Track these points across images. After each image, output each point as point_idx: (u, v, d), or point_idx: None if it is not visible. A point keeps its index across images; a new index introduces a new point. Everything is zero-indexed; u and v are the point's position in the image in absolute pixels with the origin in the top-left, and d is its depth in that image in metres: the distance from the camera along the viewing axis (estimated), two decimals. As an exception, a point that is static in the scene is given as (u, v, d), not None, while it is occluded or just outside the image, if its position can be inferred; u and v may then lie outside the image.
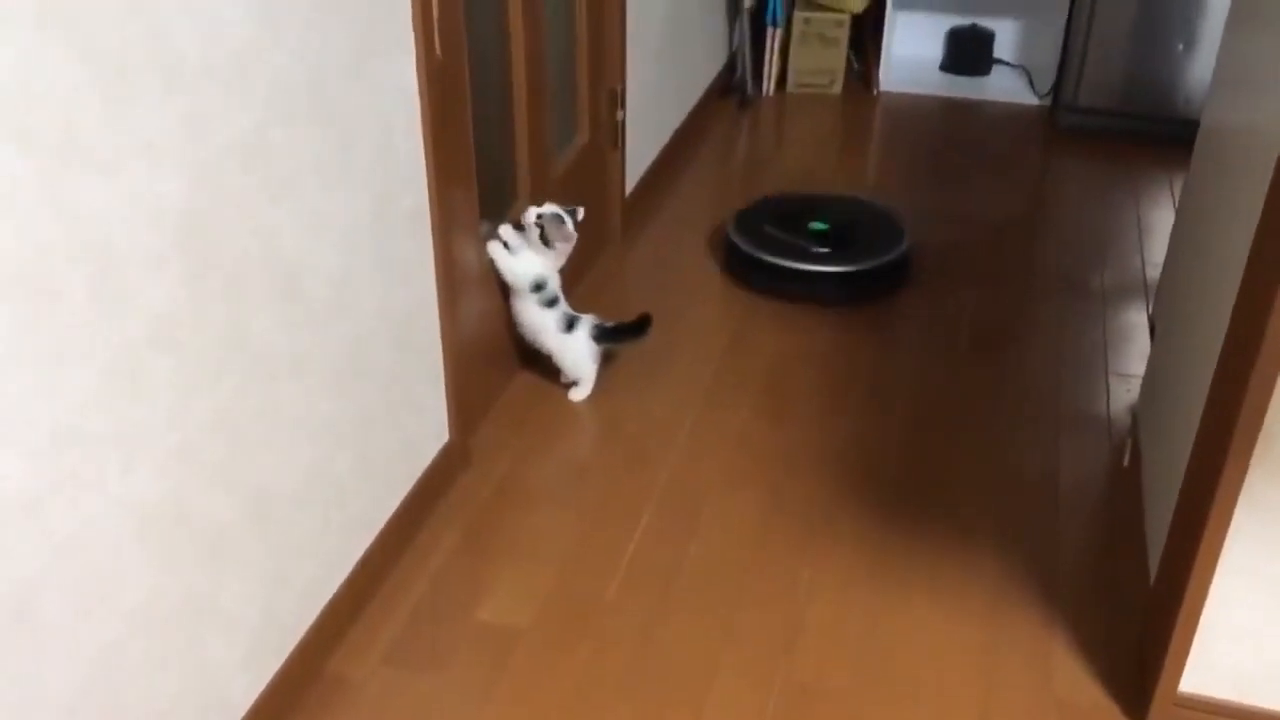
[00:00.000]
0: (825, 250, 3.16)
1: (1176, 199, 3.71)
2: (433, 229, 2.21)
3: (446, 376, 2.36)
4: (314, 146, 1.79)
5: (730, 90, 4.46)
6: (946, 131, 4.32)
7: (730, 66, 4.50)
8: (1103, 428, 2.66)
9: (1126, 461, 2.52)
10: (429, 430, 2.34)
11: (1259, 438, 1.62)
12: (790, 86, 4.54)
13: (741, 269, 3.22)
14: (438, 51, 2.11)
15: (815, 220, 3.29)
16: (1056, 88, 4.31)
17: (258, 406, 1.74)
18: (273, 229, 1.71)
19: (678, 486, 2.46)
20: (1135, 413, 2.67)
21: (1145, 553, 2.26)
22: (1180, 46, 3.98)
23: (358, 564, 2.10)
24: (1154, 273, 3.28)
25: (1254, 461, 1.64)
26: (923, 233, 3.47)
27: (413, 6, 2.02)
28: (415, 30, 2.04)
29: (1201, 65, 3.95)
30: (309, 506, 1.93)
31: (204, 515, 1.65)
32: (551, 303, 2.66)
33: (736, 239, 3.23)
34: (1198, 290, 2.19)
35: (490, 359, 2.66)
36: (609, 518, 2.37)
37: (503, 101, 2.61)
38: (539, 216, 2.58)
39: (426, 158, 2.15)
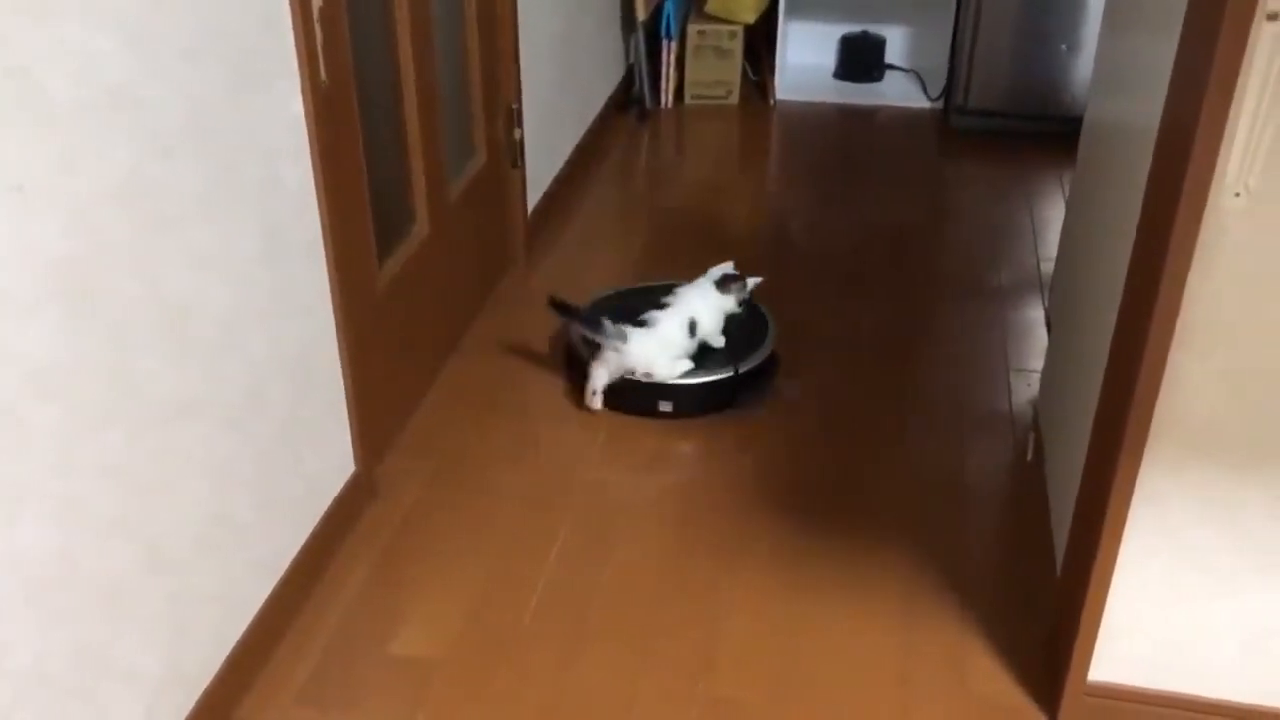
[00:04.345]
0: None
1: (1067, 195, 3.81)
2: (328, 258, 2.17)
3: (350, 407, 2.32)
4: (196, 181, 1.74)
5: (629, 104, 4.47)
6: (843, 138, 4.38)
7: (628, 80, 4.51)
8: (1006, 424, 2.71)
9: (1030, 456, 2.57)
10: (333, 463, 2.29)
11: (1150, 431, 1.66)
12: (688, 99, 4.57)
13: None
14: (323, 77, 2.08)
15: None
16: (948, 91, 4.40)
17: (149, 452, 1.68)
18: (156, 268, 1.66)
19: (591, 508, 2.45)
20: (1036, 408, 2.73)
21: (1052, 547, 2.30)
22: (1064, 47, 4.09)
23: (264, 605, 2.05)
24: (1049, 268, 3.35)
25: (1147, 454, 1.68)
26: (822, 240, 3.51)
27: (295, 33, 1.98)
28: (299, 57, 2.00)
29: (1085, 65, 4.06)
30: (209, 551, 1.87)
31: (95, 567, 1.59)
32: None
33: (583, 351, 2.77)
34: (1088, 285, 2.25)
35: (396, 385, 2.62)
36: (522, 543, 2.34)
37: (395, 125, 2.58)
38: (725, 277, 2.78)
39: (317, 186, 2.10)
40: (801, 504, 2.45)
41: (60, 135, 1.44)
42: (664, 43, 4.44)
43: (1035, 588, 2.22)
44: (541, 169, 3.52)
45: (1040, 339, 3.00)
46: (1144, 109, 1.85)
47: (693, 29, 4.46)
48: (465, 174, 3.00)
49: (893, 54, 4.78)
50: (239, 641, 1.97)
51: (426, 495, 2.47)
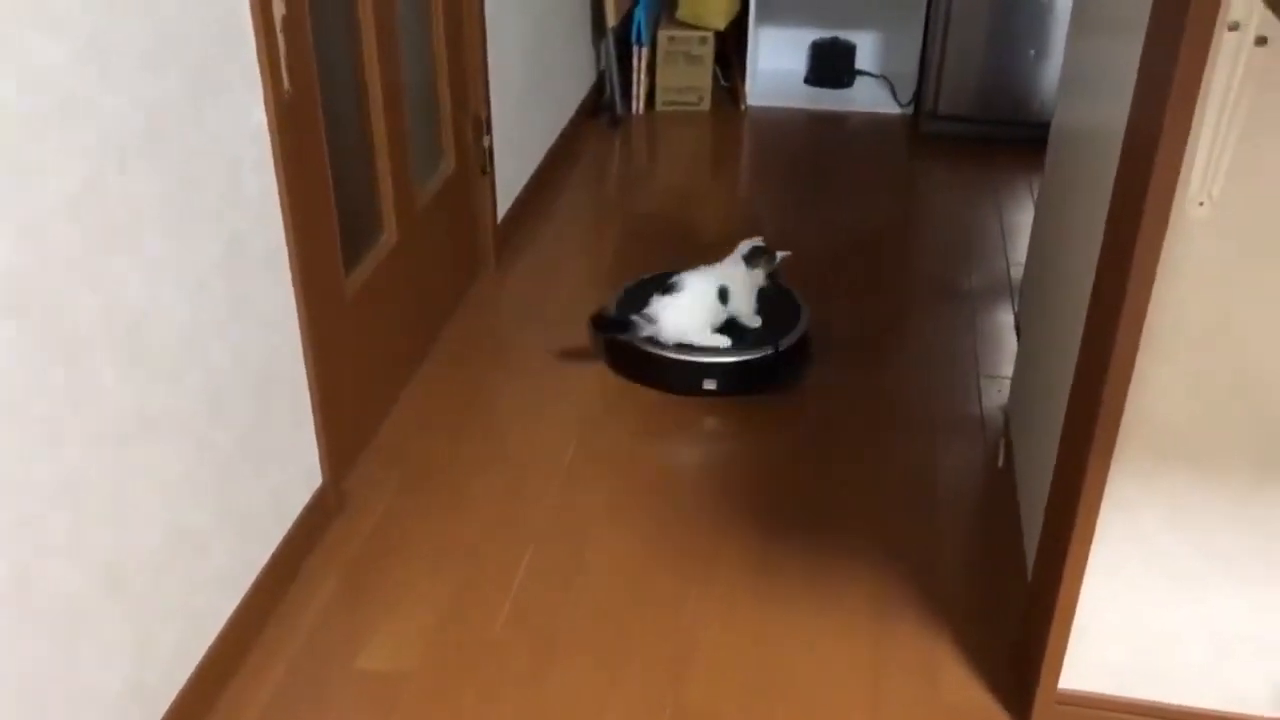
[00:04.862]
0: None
1: (1035, 198, 3.82)
2: (292, 267, 2.14)
3: (316, 419, 2.29)
4: (155, 192, 1.71)
5: (600, 110, 4.45)
6: (814, 144, 4.38)
7: (599, 86, 4.50)
8: (976, 430, 2.71)
9: (1001, 462, 2.57)
10: (299, 476, 2.26)
11: (1118, 438, 1.66)
12: (659, 105, 4.56)
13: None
14: (286, 85, 2.05)
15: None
16: (917, 97, 4.41)
17: (106, 470, 1.65)
18: (113, 282, 1.63)
19: (560, 519, 2.43)
20: (1007, 414, 2.73)
21: (1022, 553, 2.30)
22: (1032, 53, 4.11)
23: (228, 621, 2.02)
24: (1018, 273, 3.36)
25: (1115, 461, 1.68)
26: (794, 245, 3.50)
27: (257, 41, 1.96)
28: (261, 65, 1.97)
29: (1052, 71, 4.08)
30: (170, 569, 1.84)
31: (52, 588, 1.56)
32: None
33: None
34: (1056, 290, 2.25)
35: (364, 395, 2.60)
36: (492, 554, 2.32)
37: (361, 133, 2.55)
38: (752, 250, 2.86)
39: (280, 195, 2.08)
40: (771, 511, 2.44)
41: (9, 145, 1.41)
42: (635, 48, 4.43)
43: (1006, 595, 2.22)
44: (512, 175, 3.50)
45: (1010, 344, 3.01)
46: (1109, 114, 1.85)
47: (663, 35, 4.45)
48: (434, 181, 2.97)
49: (863, 60, 4.79)
50: (203, 658, 1.94)
51: (395, 506, 2.44)
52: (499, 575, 2.27)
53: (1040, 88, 4.15)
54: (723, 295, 2.79)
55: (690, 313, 2.76)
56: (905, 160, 4.26)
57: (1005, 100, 4.21)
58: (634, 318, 2.76)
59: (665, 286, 2.80)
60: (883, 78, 4.76)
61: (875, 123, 4.52)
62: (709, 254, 2.97)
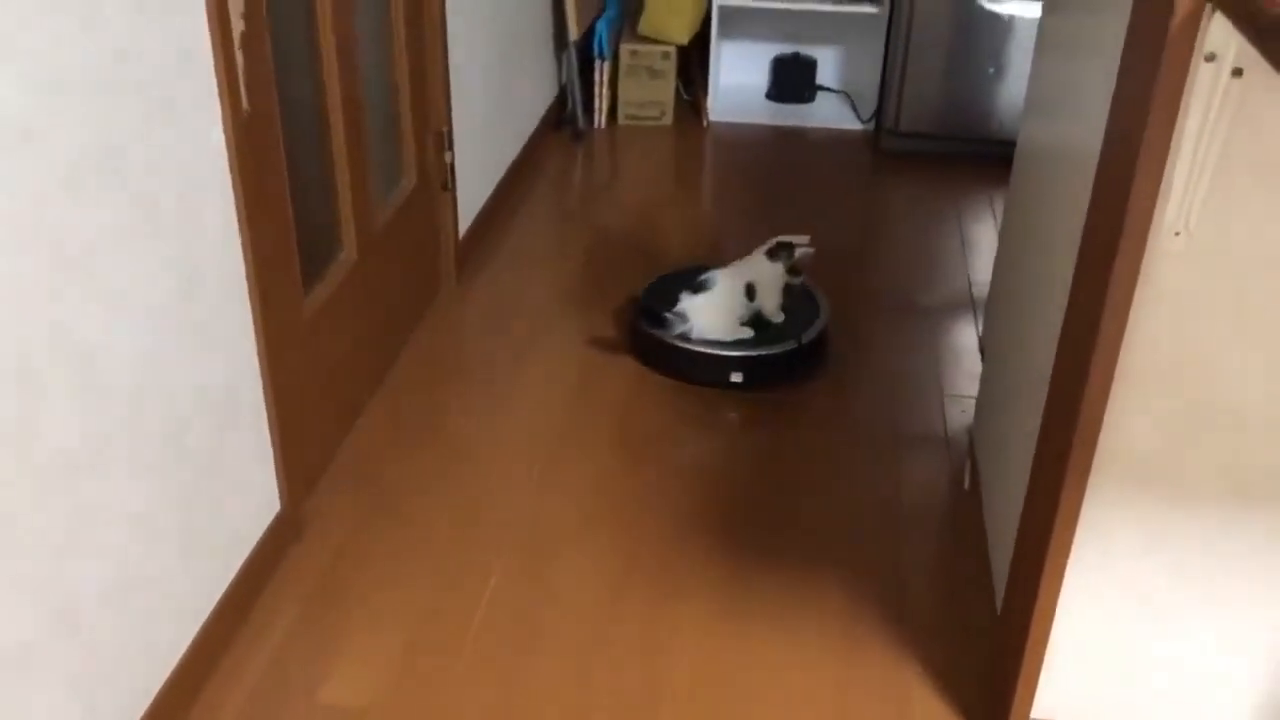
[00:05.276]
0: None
1: (997, 217, 3.84)
2: (250, 292, 2.09)
3: (275, 445, 2.23)
4: (108, 219, 1.66)
5: (562, 124, 4.42)
6: (776, 160, 4.37)
7: (561, 100, 4.47)
8: (941, 450, 2.71)
9: (967, 485, 2.56)
10: (257, 504, 2.20)
11: (1093, 466, 1.65)
12: (621, 119, 4.53)
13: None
14: (245, 104, 2.00)
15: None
16: (878, 113, 4.42)
17: (57, 508, 1.59)
18: (63, 313, 1.57)
19: (525, 543, 2.39)
20: (972, 435, 2.73)
21: (990, 576, 2.29)
22: (991, 70, 4.13)
23: (185, 656, 1.96)
24: (980, 291, 3.37)
25: (1089, 491, 1.67)
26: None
27: (215, 60, 1.90)
28: (219, 84, 1.92)
29: (1010, 88, 4.10)
30: (125, 605, 1.78)
31: (1, 634, 1.50)
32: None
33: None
34: (1023, 314, 2.25)
35: (324, 417, 2.54)
36: (455, 580, 2.28)
37: (321, 151, 2.50)
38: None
39: (239, 217, 2.03)
40: (736, 532, 2.42)
41: (-41, 172, 1.36)
42: (597, 62, 4.40)
43: (975, 619, 2.21)
44: (473, 191, 3.46)
45: (973, 364, 3.01)
46: (1079, 136, 1.85)
47: (625, 49, 4.43)
48: (394, 198, 2.93)
49: (824, 75, 4.79)
50: (157, 695, 1.88)
51: (356, 531, 2.39)
52: (464, 603, 2.22)
53: (1000, 106, 4.17)
54: (749, 292, 2.90)
55: (720, 310, 2.88)
56: (867, 176, 4.26)
57: (965, 117, 4.23)
58: (666, 314, 2.86)
59: (695, 285, 2.90)
60: (844, 93, 4.77)
61: (837, 139, 4.52)
62: (673, 266, 2.94)
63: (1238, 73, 1.36)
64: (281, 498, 2.28)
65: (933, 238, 3.76)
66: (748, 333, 2.90)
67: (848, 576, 2.31)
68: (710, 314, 2.87)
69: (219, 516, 2.05)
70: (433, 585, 2.26)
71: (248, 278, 2.07)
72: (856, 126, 4.57)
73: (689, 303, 2.87)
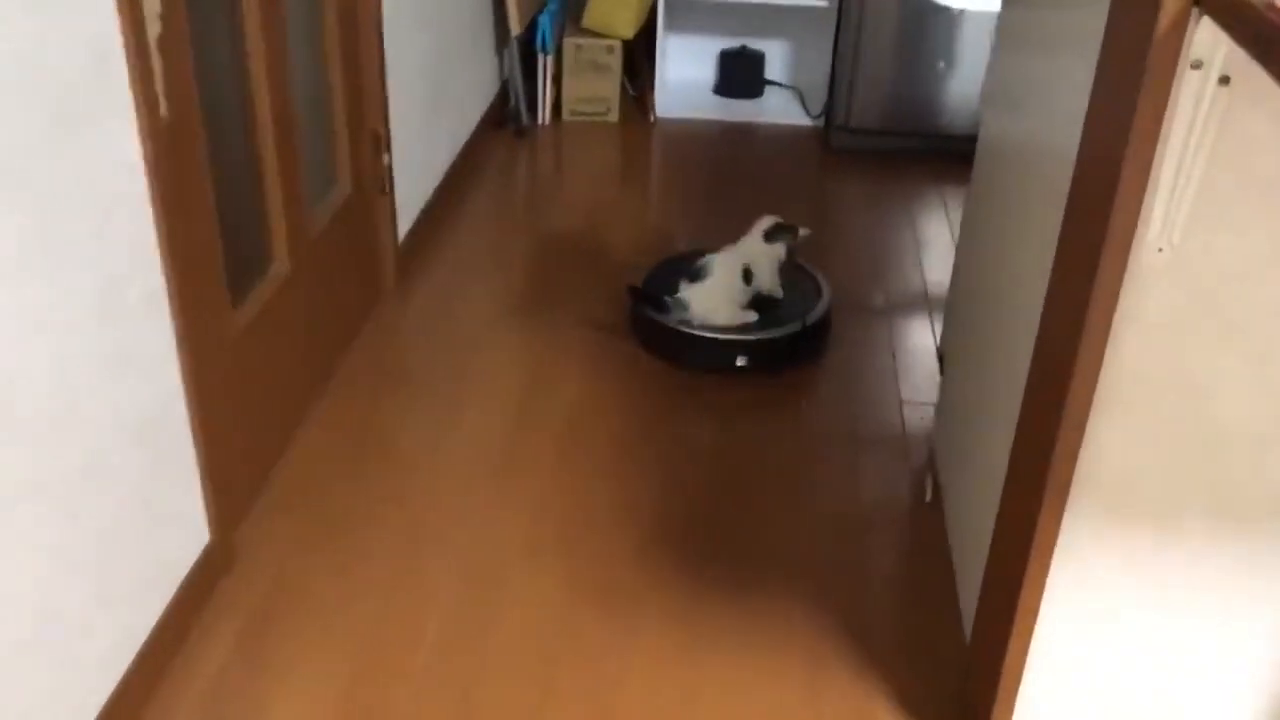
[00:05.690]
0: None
1: (949, 213, 3.78)
2: (172, 310, 1.95)
3: (202, 472, 2.10)
4: (12, 235, 1.52)
5: (505, 121, 4.29)
6: (725, 156, 4.28)
7: (503, 96, 4.34)
8: (901, 460, 2.63)
9: (929, 497, 2.49)
10: (184, 535, 2.07)
11: (1071, 491, 1.57)
12: (566, 115, 4.41)
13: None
14: (163, 110, 1.86)
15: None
16: (828, 109, 4.34)
17: (-42, 552, 1.46)
18: (-39, 340, 1.43)
19: (471, 569, 2.27)
20: (931, 446, 2.65)
21: (955, 595, 2.22)
22: (941, 65, 4.07)
23: (110, 701, 1.82)
24: (935, 291, 3.31)
25: (1066, 514, 1.60)
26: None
27: (129, 63, 1.76)
28: (134, 89, 1.78)
29: (961, 83, 4.04)
30: (41, 649, 1.64)
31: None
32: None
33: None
34: (989, 321, 2.17)
35: (256, 438, 2.40)
36: (398, 609, 2.16)
37: (248, 157, 2.36)
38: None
39: (158, 230, 1.89)
40: (694, 548, 2.32)
41: None
42: (540, 58, 4.28)
43: (942, 643, 2.13)
44: (412, 194, 3.32)
45: (930, 368, 2.94)
46: (1048, 136, 1.77)
47: (570, 43, 4.30)
48: (329, 204, 2.79)
49: (772, 70, 4.71)
50: (77, 748, 1.75)
51: (291, 559, 2.26)
52: (407, 632, 2.11)
53: (950, 101, 4.11)
54: (746, 275, 2.92)
55: (718, 296, 2.88)
56: (817, 172, 4.18)
57: (915, 113, 4.16)
58: (666, 299, 2.87)
59: (691, 272, 2.91)
60: (793, 88, 4.69)
61: (786, 134, 4.44)
62: (623, 268, 2.84)
63: (1224, 80, 1.28)
64: (210, 526, 2.15)
65: (886, 236, 3.69)
66: (752, 316, 2.91)
67: (810, 594, 2.22)
68: (709, 300, 2.87)
69: (143, 553, 1.91)
70: (374, 615, 2.14)
71: (169, 295, 1.94)
72: (806, 122, 4.49)
73: (687, 291, 2.88)
